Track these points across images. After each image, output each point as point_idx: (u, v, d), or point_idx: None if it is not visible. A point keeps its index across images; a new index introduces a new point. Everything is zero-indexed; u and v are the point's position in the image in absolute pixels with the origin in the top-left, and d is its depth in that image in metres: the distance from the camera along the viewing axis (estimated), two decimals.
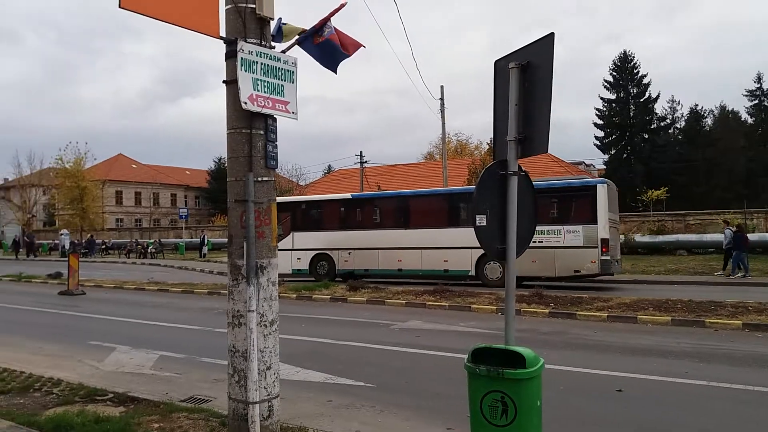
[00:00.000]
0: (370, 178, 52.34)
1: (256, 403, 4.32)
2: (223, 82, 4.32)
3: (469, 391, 3.57)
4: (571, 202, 17.04)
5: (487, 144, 33.43)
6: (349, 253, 19.07)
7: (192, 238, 43.41)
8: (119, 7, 3.29)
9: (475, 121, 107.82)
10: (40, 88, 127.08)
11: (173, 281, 20.95)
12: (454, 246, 17.09)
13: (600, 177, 30.80)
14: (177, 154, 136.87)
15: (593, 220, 15.81)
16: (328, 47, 4.69)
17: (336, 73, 4.86)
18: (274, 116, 4.44)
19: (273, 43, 4.50)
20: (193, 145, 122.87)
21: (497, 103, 3.64)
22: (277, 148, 4.46)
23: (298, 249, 19.91)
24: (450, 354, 8.48)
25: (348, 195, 22.30)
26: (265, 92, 4.28)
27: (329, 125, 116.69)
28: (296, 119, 4.48)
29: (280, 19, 4.53)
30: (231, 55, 4.24)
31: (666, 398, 6.25)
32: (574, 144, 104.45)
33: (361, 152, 50.60)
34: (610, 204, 16.20)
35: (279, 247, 14.83)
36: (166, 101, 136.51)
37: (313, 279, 19.23)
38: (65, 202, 47.21)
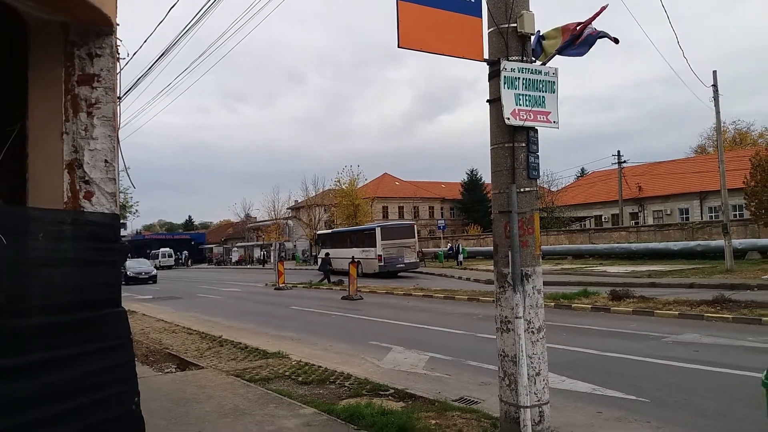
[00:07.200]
0: (629, 179, 48.46)
1: (527, 407, 4.45)
2: (487, 101, 4.54)
3: None
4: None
5: None
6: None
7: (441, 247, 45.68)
8: (398, 47, 3.74)
9: (756, 106, 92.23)
10: (320, 120, 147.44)
11: (435, 288, 22.24)
12: (342, 257, 30.83)
13: None
14: (434, 168, 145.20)
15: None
16: (589, 39, 4.57)
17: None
18: (536, 128, 4.54)
19: (533, 57, 4.58)
20: (448, 159, 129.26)
21: None
22: (538, 158, 4.54)
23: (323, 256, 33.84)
24: (737, 371, 7.53)
25: (329, 231, 43.07)
26: (526, 106, 4.39)
27: (583, 125, 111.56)
28: (557, 128, 4.51)
29: (539, 32, 4.59)
30: (494, 75, 4.44)
31: None
32: None
33: (618, 152, 47.13)
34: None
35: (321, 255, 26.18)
36: (424, 119, 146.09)
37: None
38: (342, 218, 53.66)
